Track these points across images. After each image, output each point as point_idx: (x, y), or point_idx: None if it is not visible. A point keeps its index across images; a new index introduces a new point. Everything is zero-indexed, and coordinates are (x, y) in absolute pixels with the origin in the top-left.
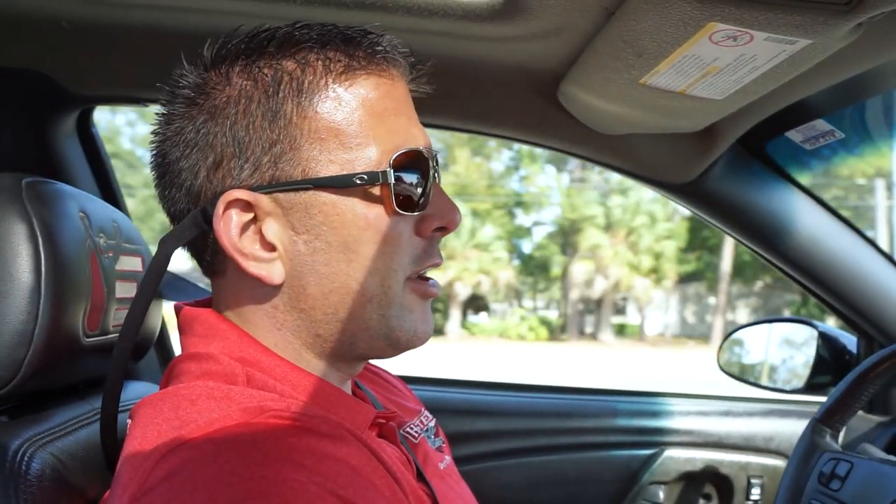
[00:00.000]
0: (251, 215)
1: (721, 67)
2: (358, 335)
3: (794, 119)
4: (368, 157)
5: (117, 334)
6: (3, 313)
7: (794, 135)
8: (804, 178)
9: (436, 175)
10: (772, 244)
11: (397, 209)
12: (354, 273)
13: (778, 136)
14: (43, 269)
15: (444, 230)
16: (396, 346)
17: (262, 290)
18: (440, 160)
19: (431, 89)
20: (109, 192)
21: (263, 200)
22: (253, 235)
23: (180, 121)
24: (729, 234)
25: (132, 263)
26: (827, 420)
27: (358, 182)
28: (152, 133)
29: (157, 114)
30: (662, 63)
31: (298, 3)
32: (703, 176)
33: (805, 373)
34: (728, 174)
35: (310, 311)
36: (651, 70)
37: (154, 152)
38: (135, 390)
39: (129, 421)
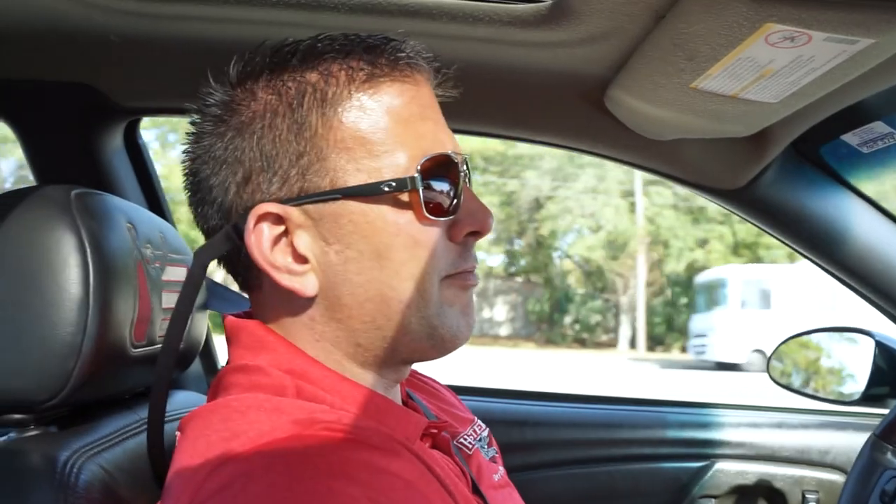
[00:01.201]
0: (282, 228)
1: (776, 70)
2: (399, 340)
3: (850, 121)
4: (396, 163)
5: None
6: (52, 324)
7: (851, 138)
8: (861, 183)
9: (466, 179)
10: (827, 252)
11: (427, 215)
12: (388, 280)
13: (833, 139)
14: (91, 280)
15: (476, 234)
16: (440, 346)
17: (298, 303)
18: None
19: (458, 93)
20: (156, 202)
21: (293, 213)
22: (285, 248)
23: (209, 138)
24: (782, 242)
25: (178, 274)
26: (888, 436)
27: (386, 189)
28: (183, 152)
29: (187, 133)
30: (715, 66)
31: (342, 12)
32: (755, 182)
33: (862, 384)
34: (780, 180)
35: (347, 321)
36: (703, 74)
37: (186, 170)
38: (180, 400)
39: (177, 433)
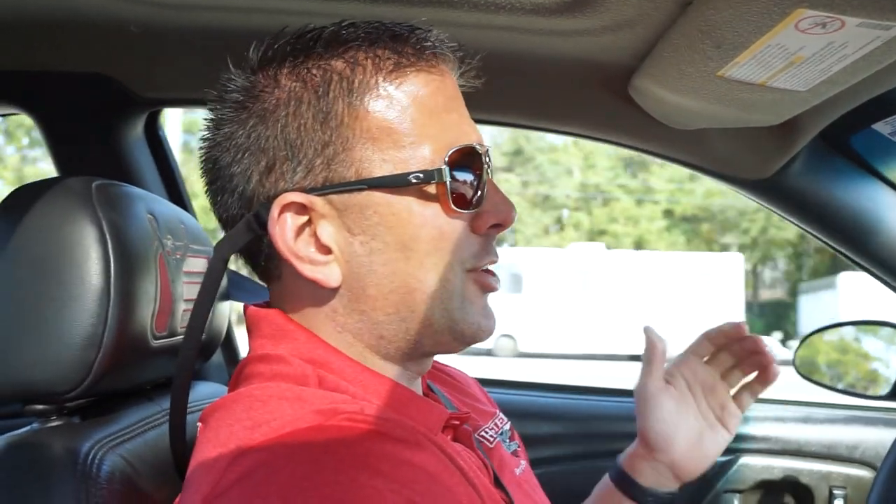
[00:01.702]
0: (305, 218)
1: (807, 57)
2: (422, 332)
3: (882, 110)
4: (422, 155)
5: None
6: (73, 315)
7: (882, 127)
8: (893, 173)
9: (489, 171)
10: (858, 243)
11: (453, 206)
12: (413, 271)
13: (864, 128)
14: (112, 271)
15: (499, 227)
16: (462, 340)
17: (320, 294)
18: None
19: (480, 83)
20: (176, 193)
21: (318, 202)
22: (308, 238)
23: (230, 125)
24: (810, 234)
25: (199, 265)
26: None
27: (413, 181)
28: (201, 139)
29: (205, 119)
30: (743, 54)
31: (364, 1)
32: (782, 172)
33: (891, 378)
34: (809, 170)
35: (370, 313)
36: (730, 62)
37: (204, 158)
38: (202, 391)
39: (199, 424)
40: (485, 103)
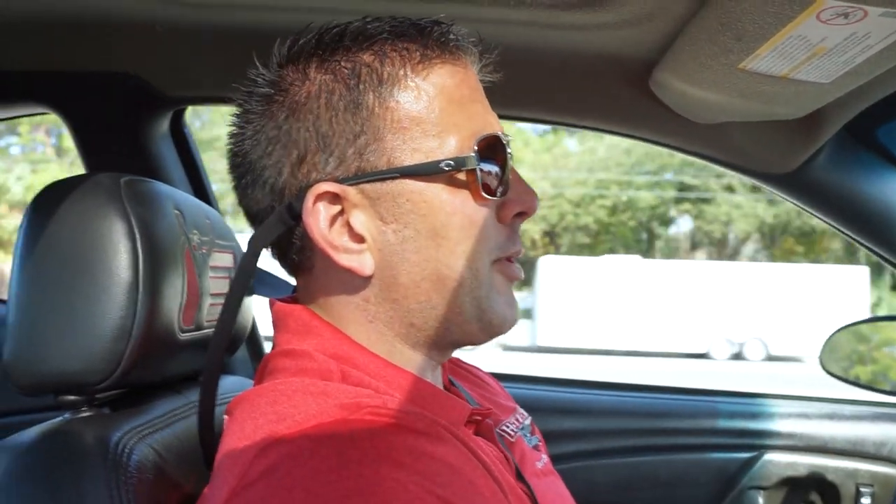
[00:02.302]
0: (339, 208)
1: (829, 48)
2: (452, 320)
3: None
4: (451, 144)
5: (211, 329)
6: (103, 308)
7: None
8: None
9: (511, 160)
10: (885, 238)
11: (483, 194)
12: (445, 259)
13: (890, 120)
14: (141, 265)
15: (523, 215)
16: (489, 330)
17: (353, 283)
18: None
19: (499, 77)
20: (201, 189)
21: (350, 192)
22: (341, 228)
23: (259, 119)
24: (835, 228)
25: (224, 259)
26: None
27: (445, 168)
28: (229, 135)
29: (232, 115)
30: (764, 46)
31: None
32: (806, 166)
33: None
34: (833, 163)
35: (402, 301)
36: (751, 54)
37: (232, 152)
38: (228, 384)
39: (225, 417)
40: (505, 98)
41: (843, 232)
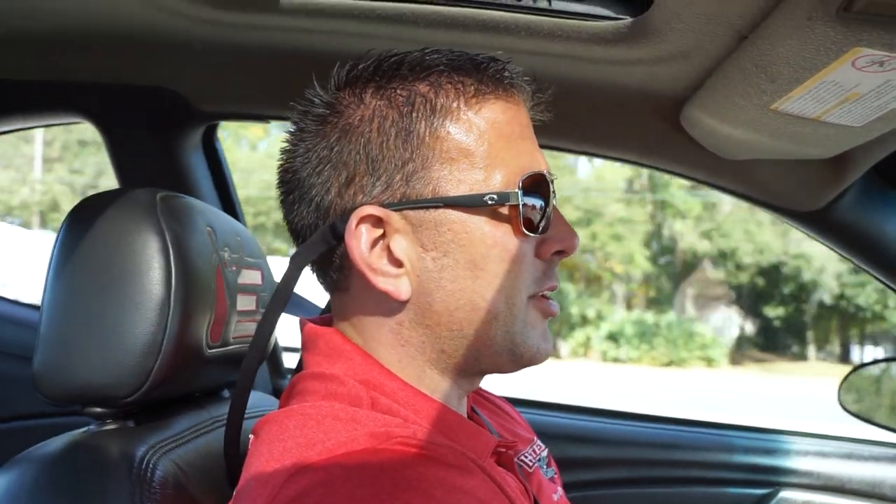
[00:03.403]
0: (381, 231)
1: (862, 94)
2: (482, 351)
3: None
4: (496, 178)
5: (237, 346)
6: (135, 323)
7: None
8: None
9: (555, 199)
10: None
11: (524, 230)
12: (481, 290)
13: None
14: (174, 282)
15: (562, 254)
16: (519, 362)
17: (388, 306)
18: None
19: (549, 117)
20: (230, 205)
21: (394, 217)
22: (381, 251)
23: (312, 138)
24: (862, 268)
25: (253, 277)
26: None
27: (489, 202)
28: (281, 151)
29: (287, 132)
30: (797, 89)
31: (422, 26)
32: (833, 204)
33: None
34: (861, 203)
35: (435, 328)
36: (784, 96)
37: (283, 168)
38: (250, 399)
39: (251, 437)
40: (537, 128)
41: (868, 271)
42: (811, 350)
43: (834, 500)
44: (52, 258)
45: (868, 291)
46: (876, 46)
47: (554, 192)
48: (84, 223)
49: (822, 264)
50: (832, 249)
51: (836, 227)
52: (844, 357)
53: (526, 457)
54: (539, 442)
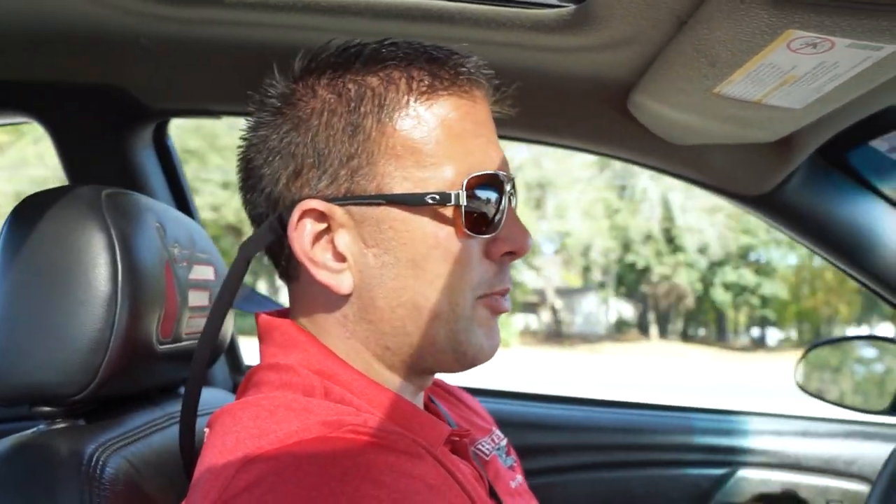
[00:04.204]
0: (324, 225)
1: (800, 76)
2: (425, 349)
3: (879, 127)
4: (443, 176)
5: (190, 342)
6: (81, 321)
7: (880, 143)
8: (891, 189)
9: (511, 199)
10: (856, 258)
11: (467, 231)
12: (422, 289)
13: (861, 145)
14: (120, 278)
15: (513, 255)
16: (463, 362)
17: (333, 299)
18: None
19: (516, 112)
20: (183, 202)
21: (337, 212)
22: (325, 245)
23: (266, 128)
24: (809, 248)
25: (205, 272)
26: None
27: (429, 201)
28: (241, 139)
29: (246, 120)
30: (737, 72)
31: (367, 17)
32: (780, 187)
33: (891, 393)
34: (807, 185)
35: (378, 324)
36: (725, 79)
37: (240, 157)
38: (207, 396)
39: (206, 430)
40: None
41: (815, 251)
42: None
43: (790, 476)
44: None
45: None
46: (808, 28)
47: (513, 191)
48: (28, 221)
49: None
50: (783, 232)
51: (784, 210)
52: None
53: (483, 445)
54: (498, 432)
